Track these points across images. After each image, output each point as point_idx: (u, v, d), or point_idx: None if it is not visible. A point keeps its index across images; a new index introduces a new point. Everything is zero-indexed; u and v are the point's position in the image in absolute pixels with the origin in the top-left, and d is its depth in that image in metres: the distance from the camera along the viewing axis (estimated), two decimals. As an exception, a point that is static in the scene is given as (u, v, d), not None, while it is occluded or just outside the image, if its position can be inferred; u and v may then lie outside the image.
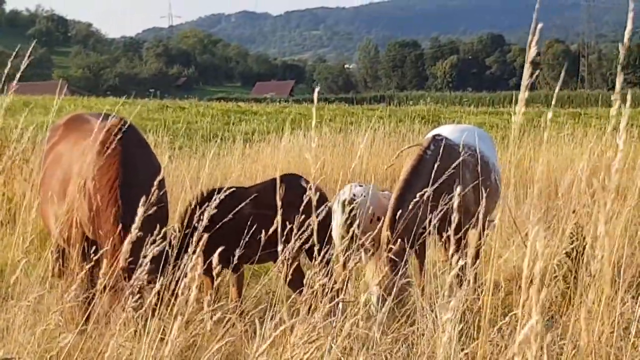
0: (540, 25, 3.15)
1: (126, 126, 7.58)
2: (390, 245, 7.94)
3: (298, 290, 5.94)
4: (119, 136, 7.28)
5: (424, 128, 22.49)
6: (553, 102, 3.45)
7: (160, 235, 4.84)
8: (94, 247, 6.42)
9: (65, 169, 7.70)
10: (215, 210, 4.92)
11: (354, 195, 8.85)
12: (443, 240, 8.62)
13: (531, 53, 3.17)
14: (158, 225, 4.96)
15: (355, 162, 6.77)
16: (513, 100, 3.98)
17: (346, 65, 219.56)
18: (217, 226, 6.38)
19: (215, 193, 5.21)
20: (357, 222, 6.94)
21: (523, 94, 3.24)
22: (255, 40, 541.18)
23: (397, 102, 69.32)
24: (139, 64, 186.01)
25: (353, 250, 6.43)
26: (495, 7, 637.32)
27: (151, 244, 4.65)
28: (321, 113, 37.32)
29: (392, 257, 7.93)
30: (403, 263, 7.87)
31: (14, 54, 6.47)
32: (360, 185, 9.25)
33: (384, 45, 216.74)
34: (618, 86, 3.11)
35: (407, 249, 7.91)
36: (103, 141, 7.20)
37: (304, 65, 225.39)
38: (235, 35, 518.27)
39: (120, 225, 6.79)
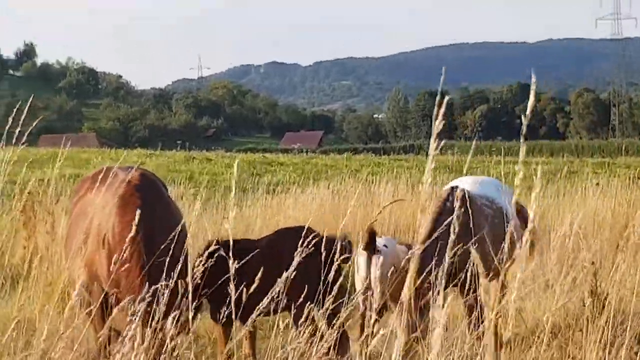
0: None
1: (147, 179, 7.63)
2: (414, 304, 7.86)
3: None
4: (138, 190, 7.33)
5: (445, 178, 22.42)
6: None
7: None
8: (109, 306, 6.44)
9: (88, 222, 7.70)
10: (213, 262, 4.94)
11: (385, 246, 8.84)
12: (457, 290, 8.57)
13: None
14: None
15: (376, 212, 6.79)
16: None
17: (375, 115, 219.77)
18: (223, 279, 6.36)
19: (215, 245, 5.24)
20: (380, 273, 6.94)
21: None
22: (284, 91, 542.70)
23: (426, 151, 69.53)
24: (168, 116, 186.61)
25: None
26: (522, 57, 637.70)
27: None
28: (347, 164, 37.43)
29: (416, 315, 7.86)
30: (421, 317, 7.81)
31: (28, 104, 6.53)
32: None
33: (413, 94, 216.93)
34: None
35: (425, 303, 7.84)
36: (123, 195, 7.23)
37: (333, 116, 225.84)
38: (264, 86, 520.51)
39: (143, 277, 6.78)
